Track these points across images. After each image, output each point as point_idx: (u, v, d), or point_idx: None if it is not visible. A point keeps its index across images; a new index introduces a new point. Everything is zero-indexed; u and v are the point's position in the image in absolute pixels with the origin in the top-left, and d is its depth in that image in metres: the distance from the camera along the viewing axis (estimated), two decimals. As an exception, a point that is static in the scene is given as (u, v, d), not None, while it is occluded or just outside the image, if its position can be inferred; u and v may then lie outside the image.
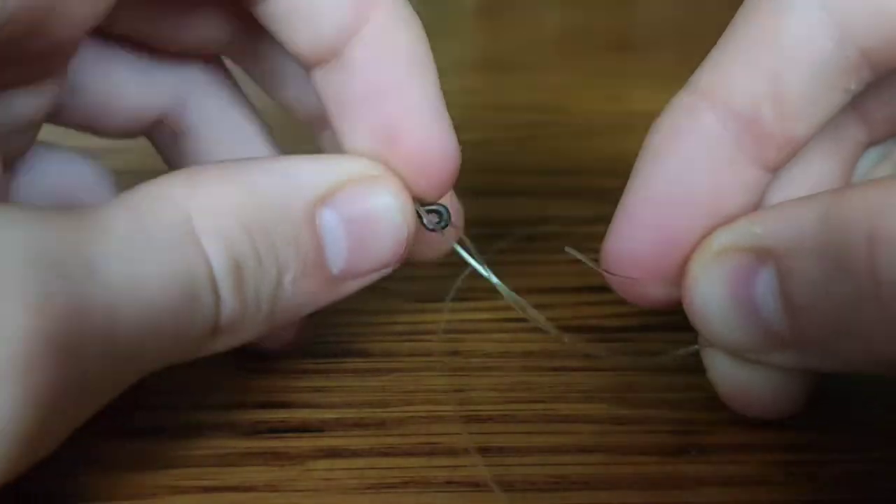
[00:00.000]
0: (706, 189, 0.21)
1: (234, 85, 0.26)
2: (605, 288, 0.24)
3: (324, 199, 0.20)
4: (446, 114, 0.22)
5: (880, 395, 0.24)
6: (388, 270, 0.22)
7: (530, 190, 0.35)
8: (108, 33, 0.23)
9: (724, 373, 0.22)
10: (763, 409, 0.22)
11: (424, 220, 0.22)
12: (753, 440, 0.22)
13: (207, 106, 0.25)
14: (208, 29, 0.24)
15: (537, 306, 0.28)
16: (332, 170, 0.21)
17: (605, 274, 0.22)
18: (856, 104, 0.22)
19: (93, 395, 0.18)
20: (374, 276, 0.22)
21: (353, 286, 0.22)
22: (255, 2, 0.21)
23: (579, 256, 0.22)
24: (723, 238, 0.21)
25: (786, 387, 0.21)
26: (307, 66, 0.22)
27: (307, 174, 0.21)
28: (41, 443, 0.17)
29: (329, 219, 0.20)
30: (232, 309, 0.19)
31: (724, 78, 0.20)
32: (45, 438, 0.17)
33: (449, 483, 0.21)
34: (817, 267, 0.18)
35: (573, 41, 0.56)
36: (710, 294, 0.20)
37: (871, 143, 0.23)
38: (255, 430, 0.23)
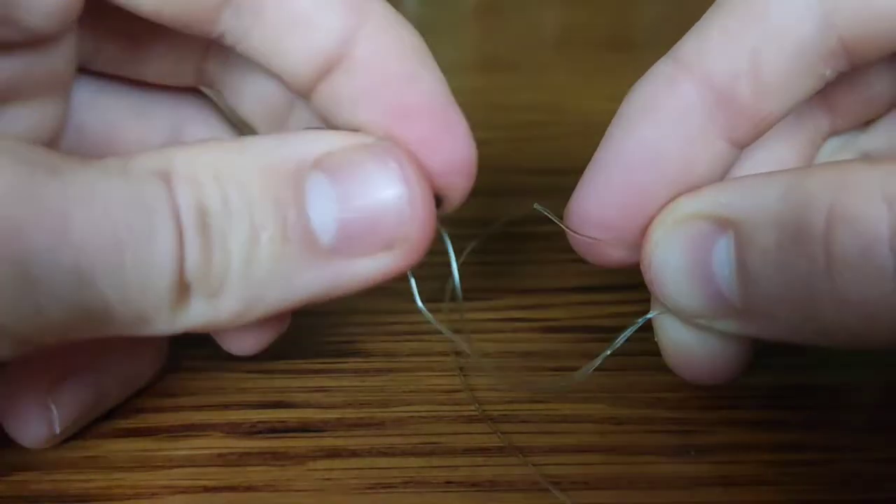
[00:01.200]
0: (676, 157, 0.21)
1: (221, 112, 0.26)
2: (605, 288, 0.24)
3: (314, 164, 0.19)
4: (455, 104, 0.21)
5: (880, 394, 0.24)
6: (400, 256, 0.20)
7: (529, 189, 0.35)
8: (97, 72, 0.24)
9: (672, 337, 0.22)
10: (703, 374, 0.22)
11: None
12: (753, 440, 0.22)
13: (201, 136, 0.25)
14: (180, 63, 0.24)
15: (537, 306, 0.28)
16: (326, 138, 0.20)
17: (568, 233, 0.22)
18: (822, 94, 0.22)
19: (44, 314, 0.17)
20: (381, 264, 0.20)
21: (352, 271, 0.20)
22: (236, 42, 0.21)
23: (547, 213, 0.22)
24: (686, 205, 0.21)
25: (728, 355, 0.22)
26: (306, 85, 0.21)
27: (298, 140, 0.20)
28: None
29: (317, 181, 0.19)
30: (196, 256, 0.18)
31: (706, 51, 0.21)
32: None
33: (449, 483, 0.21)
34: (775, 238, 0.19)
35: (573, 41, 0.56)
36: (669, 258, 0.21)
37: (833, 133, 0.24)
38: (255, 430, 0.23)
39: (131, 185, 0.18)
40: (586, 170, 0.22)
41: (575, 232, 0.22)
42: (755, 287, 0.19)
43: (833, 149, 0.24)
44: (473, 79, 0.50)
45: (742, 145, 0.21)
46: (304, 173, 0.19)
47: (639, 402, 0.24)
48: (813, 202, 0.18)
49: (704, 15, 0.21)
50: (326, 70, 0.21)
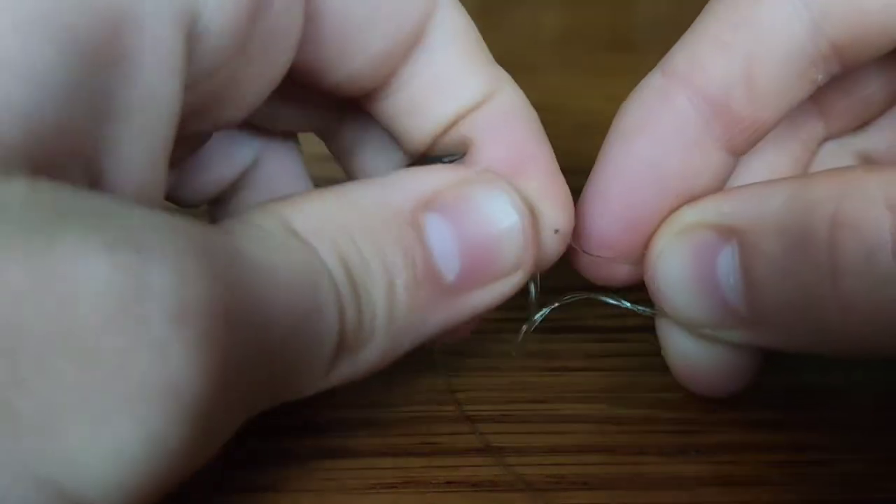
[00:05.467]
0: (675, 170, 0.21)
1: (298, 150, 0.26)
2: (604, 288, 0.24)
3: (426, 204, 0.19)
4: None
5: (880, 395, 0.24)
6: (517, 280, 0.20)
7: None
8: None
9: (679, 348, 0.22)
10: (711, 386, 0.22)
11: None
12: (753, 440, 0.22)
13: (278, 170, 0.25)
14: (311, 116, 0.24)
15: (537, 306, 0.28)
16: (431, 176, 0.20)
17: (573, 256, 0.22)
18: (815, 99, 0.22)
19: (241, 403, 0.17)
20: (501, 289, 0.20)
21: (477, 301, 0.20)
22: (374, 99, 0.22)
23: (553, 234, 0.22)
24: (689, 214, 0.21)
25: (735, 365, 0.22)
26: (425, 145, 0.22)
27: (405, 182, 0.20)
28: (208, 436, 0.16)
29: (433, 221, 0.19)
30: (352, 315, 0.18)
31: (699, 61, 0.21)
32: (213, 431, 0.16)
33: (449, 483, 0.21)
34: (779, 245, 0.19)
35: (573, 41, 0.56)
36: (673, 268, 0.21)
37: (828, 137, 0.24)
38: (256, 431, 0.23)
39: (285, 253, 0.17)
40: (586, 188, 0.22)
41: (584, 251, 0.22)
42: (761, 295, 0.19)
43: (829, 152, 0.24)
44: (473, 79, 0.50)
45: (740, 153, 0.21)
46: (420, 214, 0.19)
47: (639, 402, 0.24)
48: (816, 209, 0.18)
49: (692, 25, 0.21)
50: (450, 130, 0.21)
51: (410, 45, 0.21)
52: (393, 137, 0.23)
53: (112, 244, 0.13)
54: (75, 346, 0.13)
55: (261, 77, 0.19)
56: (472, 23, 0.22)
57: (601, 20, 0.58)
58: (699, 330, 0.21)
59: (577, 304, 0.28)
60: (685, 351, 0.22)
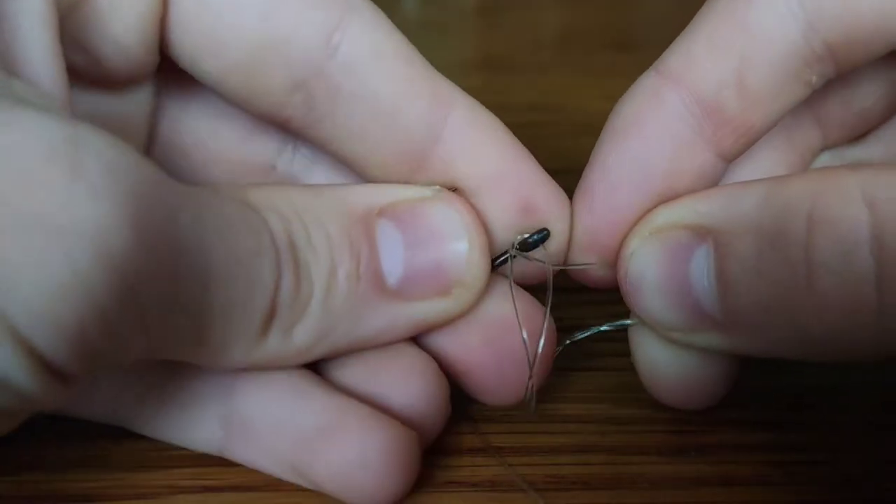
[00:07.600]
0: (662, 171, 0.21)
1: None
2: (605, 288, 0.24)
3: (382, 211, 0.20)
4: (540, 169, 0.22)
5: (879, 396, 0.24)
6: (462, 300, 0.21)
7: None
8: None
9: (649, 356, 0.22)
10: (680, 396, 0.22)
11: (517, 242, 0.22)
12: (753, 440, 0.22)
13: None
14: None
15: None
16: (390, 188, 0.21)
17: (556, 267, 0.22)
18: (813, 108, 0.22)
19: (175, 316, 0.17)
20: (443, 307, 0.21)
21: (417, 312, 0.20)
22: (306, 128, 0.22)
23: (527, 257, 0.22)
24: (663, 214, 0.21)
25: (705, 375, 0.21)
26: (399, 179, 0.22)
27: (366, 188, 0.21)
28: (113, 312, 0.16)
29: (385, 227, 0.20)
30: (289, 283, 0.19)
31: (692, 62, 0.20)
32: (118, 312, 0.16)
33: (449, 483, 0.21)
34: (755, 246, 0.19)
35: (573, 41, 0.56)
36: (645, 269, 0.20)
37: (825, 148, 0.24)
38: (256, 430, 0.23)
39: (238, 207, 0.18)
40: (576, 193, 0.22)
41: (556, 266, 0.22)
42: (735, 297, 0.19)
43: (825, 163, 0.24)
44: (473, 79, 0.50)
45: (730, 158, 0.21)
46: (373, 218, 0.20)
47: (639, 402, 0.24)
48: (792, 207, 0.18)
49: (688, 26, 0.21)
50: (418, 163, 0.21)
51: (293, 50, 0.20)
52: (357, 174, 0.23)
53: (59, 118, 0.16)
54: (20, 179, 0.15)
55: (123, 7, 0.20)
56: (397, 33, 0.21)
57: (601, 20, 0.58)
58: (671, 334, 0.21)
59: (577, 304, 0.28)
60: (655, 360, 0.22)
